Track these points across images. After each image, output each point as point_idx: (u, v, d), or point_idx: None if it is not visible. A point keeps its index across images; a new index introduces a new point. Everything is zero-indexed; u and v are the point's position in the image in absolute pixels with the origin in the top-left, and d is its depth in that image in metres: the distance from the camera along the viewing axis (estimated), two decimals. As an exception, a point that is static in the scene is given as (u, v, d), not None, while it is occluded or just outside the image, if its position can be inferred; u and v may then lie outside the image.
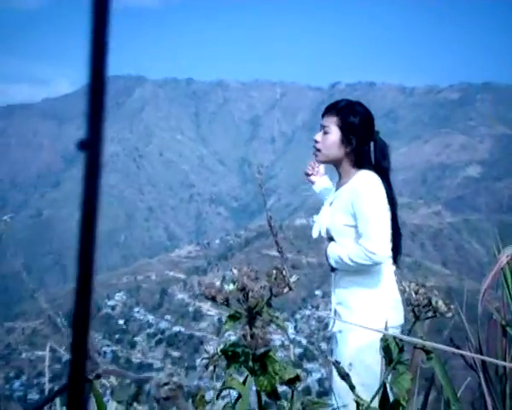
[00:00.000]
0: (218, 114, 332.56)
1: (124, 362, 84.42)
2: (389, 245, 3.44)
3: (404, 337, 1.78)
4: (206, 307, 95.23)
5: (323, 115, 3.71)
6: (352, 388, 1.83)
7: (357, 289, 3.59)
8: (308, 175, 4.28)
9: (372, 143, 3.67)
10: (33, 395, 74.26)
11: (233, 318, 1.68)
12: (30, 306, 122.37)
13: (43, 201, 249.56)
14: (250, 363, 1.65)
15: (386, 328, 3.29)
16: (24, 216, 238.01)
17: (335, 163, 3.71)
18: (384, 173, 3.60)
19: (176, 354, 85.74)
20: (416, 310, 1.75)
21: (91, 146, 0.38)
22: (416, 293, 1.76)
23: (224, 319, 1.72)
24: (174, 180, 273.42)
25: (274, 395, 1.70)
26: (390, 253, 3.45)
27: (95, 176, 0.39)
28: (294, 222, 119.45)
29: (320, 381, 61.90)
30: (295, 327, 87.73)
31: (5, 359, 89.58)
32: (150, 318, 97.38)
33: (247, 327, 1.62)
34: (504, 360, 2.15)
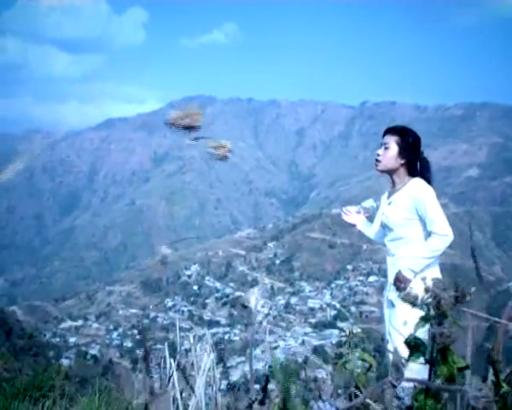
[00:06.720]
0: (272, 126, 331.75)
1: (197, 319, 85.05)
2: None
3: (469, 311, 1.78)
4: (261, 277, 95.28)
5: (384, 135, 3.85)
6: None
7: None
8: (347, 220, 4.32)
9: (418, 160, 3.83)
10: (127, 343, 75.26)
11: (425, 319, 1.77)
12: (125, 274, 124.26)
13: (136, 193, 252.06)
14: (428, 353, 1.75)
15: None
16: (121, 205, 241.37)
17: (391, 172, 3.84)
18: (427, 181, 3.74)
19: (237, 313, 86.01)
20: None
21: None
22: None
23: (408, 319, 1.83)
24: (237, 178, 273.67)
25: (450, 379, 1.78)
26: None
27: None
28: (331, 211, 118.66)
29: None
30: (331, 294, 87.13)
31: (106, 315, 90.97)
32: (218, 285, 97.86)
33: (437, 326, 1.69)
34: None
